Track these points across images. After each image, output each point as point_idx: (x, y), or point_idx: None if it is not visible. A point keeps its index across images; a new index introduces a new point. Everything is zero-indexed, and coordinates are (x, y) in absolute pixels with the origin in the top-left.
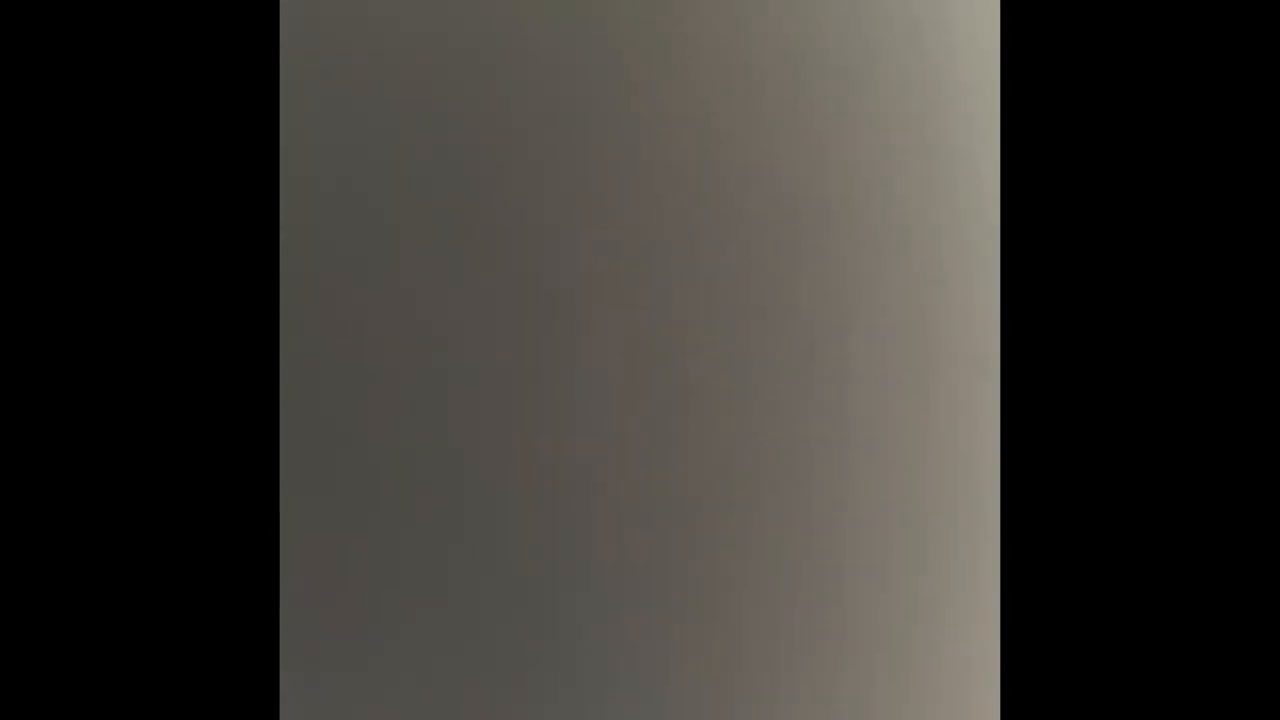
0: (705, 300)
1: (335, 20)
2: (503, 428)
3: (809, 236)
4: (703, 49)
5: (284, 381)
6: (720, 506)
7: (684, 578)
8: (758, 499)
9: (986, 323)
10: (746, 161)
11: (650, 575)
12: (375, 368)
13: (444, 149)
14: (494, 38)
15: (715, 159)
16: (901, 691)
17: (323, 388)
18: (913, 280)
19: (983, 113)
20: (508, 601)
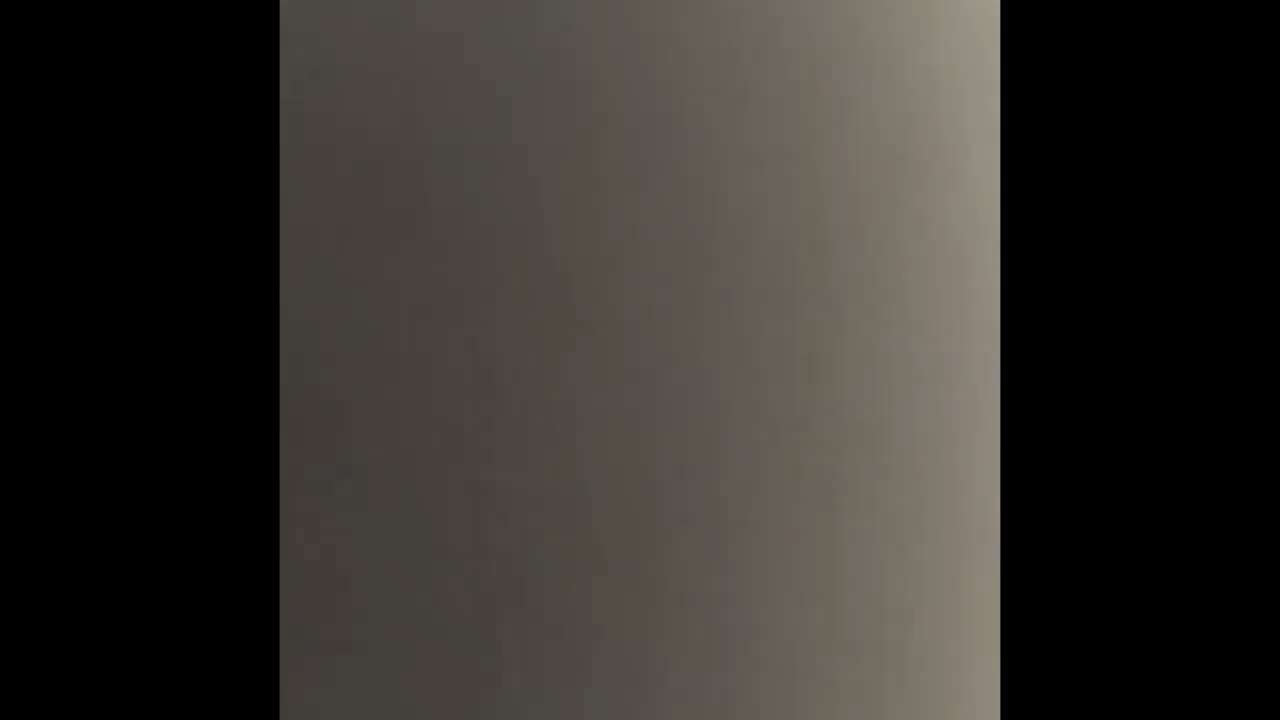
0: (703, 302)
1: (335, 20)
2: (501, 428)
3: (808, 236)
4: (700, 49)
5: (284, 381)
6: (719, 507)
7: (681, 578)
8: (756, 500)
9: (986, 323)
10: (744, 163)
11: (649, 576)
12: (375, 368)
13: (443, 149)
14: (493, 38)
15: (712, 160)
16: (901, 692)
17: (323, 388)
18: (912, 281)
19: (983, 113)
20: (507, 601)
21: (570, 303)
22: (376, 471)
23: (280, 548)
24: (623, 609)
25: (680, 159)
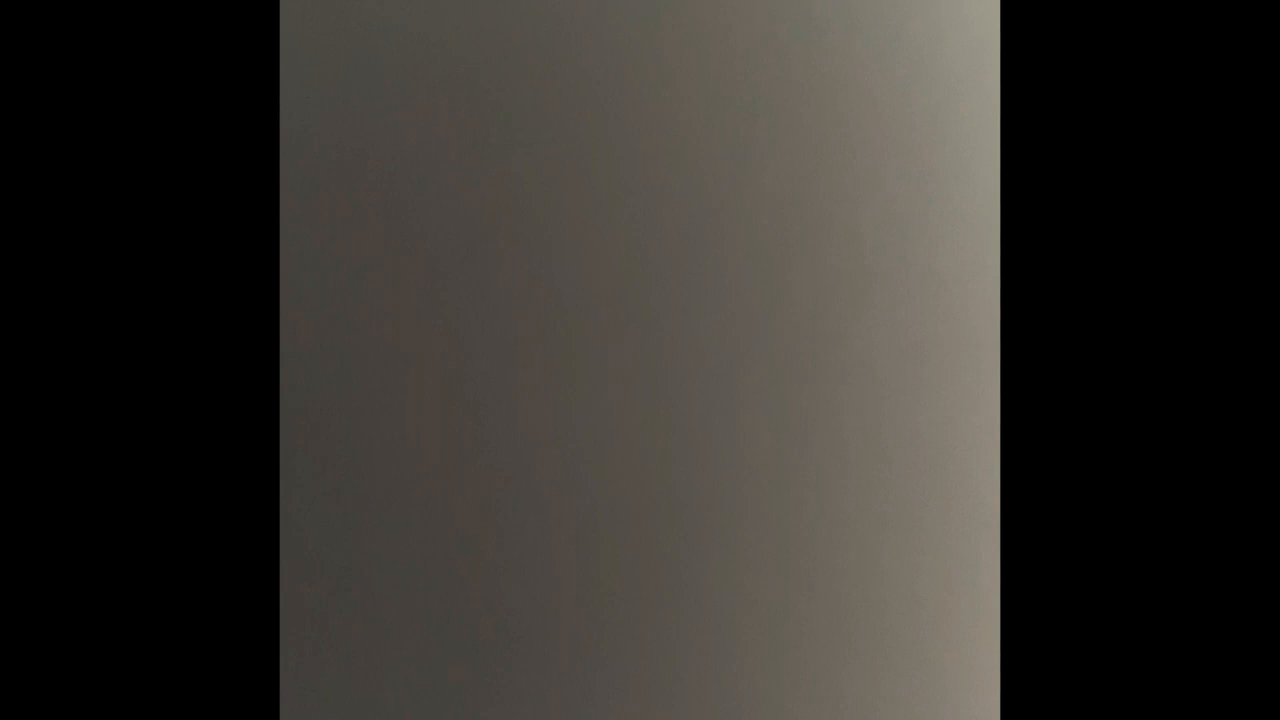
0: (703, 303)
1: (335, 20)
2: (500, 428)
3: (807, 236)
4: (700, 49)
5: (284, 381)
6: (720, 507)
7: (682, 579)
8: (757, 500)
9: (986, 323)
10: (744, 163)
11: (650, 577)
12: (375, 368)
13: (444, 149)
14: (494, 38)
15: (712, 161)
16: (901, 691)
17: (323, 388)
18: (912, 281)
19: (983, 113)
20: (507, 601)
21: (569, 303)
22: (376, 471)
23: (280, 548)
24: (623, 609)
25: (680, 159)
